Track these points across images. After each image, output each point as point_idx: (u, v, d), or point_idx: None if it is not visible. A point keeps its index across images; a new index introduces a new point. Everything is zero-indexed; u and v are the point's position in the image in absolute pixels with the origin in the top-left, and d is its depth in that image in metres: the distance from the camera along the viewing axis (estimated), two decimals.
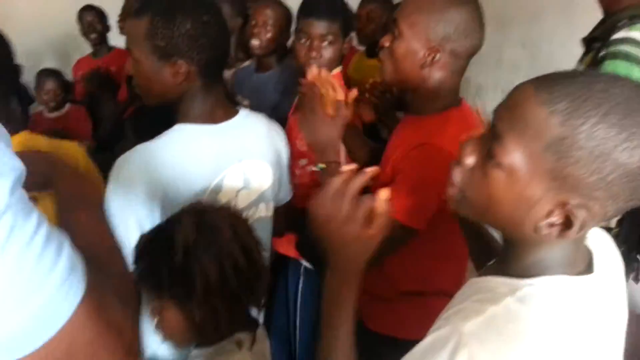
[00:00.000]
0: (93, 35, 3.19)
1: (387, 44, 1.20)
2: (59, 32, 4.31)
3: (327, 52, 1.63)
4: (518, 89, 0.66)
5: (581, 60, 1.53)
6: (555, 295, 0.65)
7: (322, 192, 0.77)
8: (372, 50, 2.52)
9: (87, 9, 3.20)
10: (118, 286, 0.66)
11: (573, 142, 0.58)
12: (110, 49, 3.30)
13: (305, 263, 1.56)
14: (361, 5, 2.70)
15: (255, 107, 1.70)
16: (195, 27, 1.08)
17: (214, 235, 0.92)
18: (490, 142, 0.66)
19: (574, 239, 0.65)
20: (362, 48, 2.75)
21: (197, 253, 0.89)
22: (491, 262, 0.80)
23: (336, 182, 0.77)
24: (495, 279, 0.70)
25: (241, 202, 1.25)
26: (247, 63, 2.27)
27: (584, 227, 0.61)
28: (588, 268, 0.70)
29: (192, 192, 1.13)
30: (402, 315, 1.30)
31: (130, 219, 1.06)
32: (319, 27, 1.61)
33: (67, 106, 3.06)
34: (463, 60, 1.20)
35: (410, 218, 1.15)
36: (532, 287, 0.65)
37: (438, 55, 1.15)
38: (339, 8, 1.68)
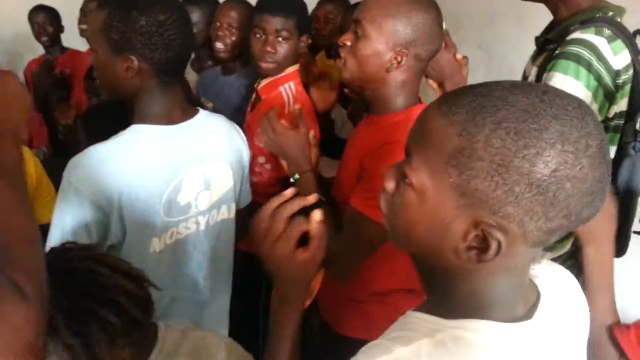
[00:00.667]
0: (44, 38, 3.07)
1: (348, 43, 1.20)
2: (10, 31, 4.16)
3: (282, 48, 1.65)
4: (426, 107, 0.64)
5: (534, 59, 1.57)
6: (477, 344, 0.58)
7: (262, 209, 0.78)
8: (331, 51, 2.54)
9: (38, 9, 3.07)
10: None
11: (471, 152, 0.55)
12: (64, 49, 3.18)
13: None
14: (318, 7, 2.72)
15: (219, 110, 1.72)
16: (149, 25, 1.08)
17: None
18: (404, 163, 0.63)
19: (514, 275, 0.61)
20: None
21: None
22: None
23: (275, 201, 0.78)
24: (422, 316, 0.64)
25: (201, 204, 1.24)
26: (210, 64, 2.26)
27: (502, 250, 0.56)
28: (529, 312, 0.63)
29: (149, 193, 1.13)
30: (372, 317, 1.30)
31: (67, 219, 1.07)
32: (274, 22, 1.63)
33: None
34: (425, 62, 1.23)
35: (377, 212, 1.16)
36: (454, 331, 0.59)
37: (404, 59, 1.17)
38: (295, 5, 1.70)
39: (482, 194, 0.55)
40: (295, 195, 0.80)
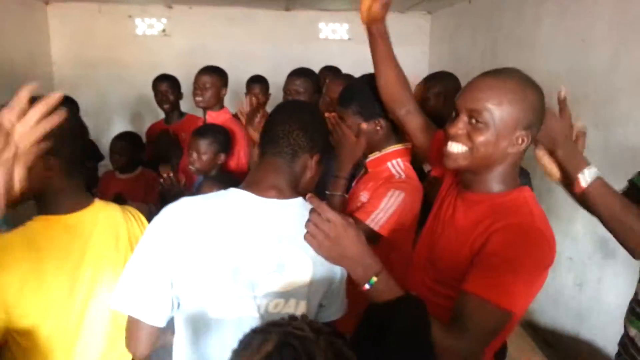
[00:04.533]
0: (166, 105, 3.35)
1: (461, 132, 1.19)
2: (134, 93, 4.61)
3: None
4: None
5: None
6: None
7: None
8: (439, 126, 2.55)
9: (162, 78, 3.37)
10: None
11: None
12: (182, 115, 3.45)
13: None
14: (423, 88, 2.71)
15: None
16: None
17: None
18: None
19: None
20: None
21: None
22: None
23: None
24: None
25: (268, 286, 1.15)
26: None
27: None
28: None
29: (220, 256, 1.11)
30: None
31: (148, 256, 1.11)
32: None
33: (139, 169, 3.17)
34: (535, 135, 1.23)
35: (509, 300, 1.10)
36: None
37: (525, 142, 1.18)
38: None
39: None
40: None
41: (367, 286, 1.04)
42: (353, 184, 1.88)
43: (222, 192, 1.19)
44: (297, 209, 1.19)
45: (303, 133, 1.22)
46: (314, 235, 1.04)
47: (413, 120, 1.62)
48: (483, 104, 1.15)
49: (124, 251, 1.38)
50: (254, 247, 1.13)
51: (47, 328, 1.24)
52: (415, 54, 5.32)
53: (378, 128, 1.76)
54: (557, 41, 3.14)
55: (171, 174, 2.41)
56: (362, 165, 1.86)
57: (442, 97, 2.49)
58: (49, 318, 1.23)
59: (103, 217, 1.37)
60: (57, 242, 1.26)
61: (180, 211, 1.14)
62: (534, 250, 1.12)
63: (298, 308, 1.19)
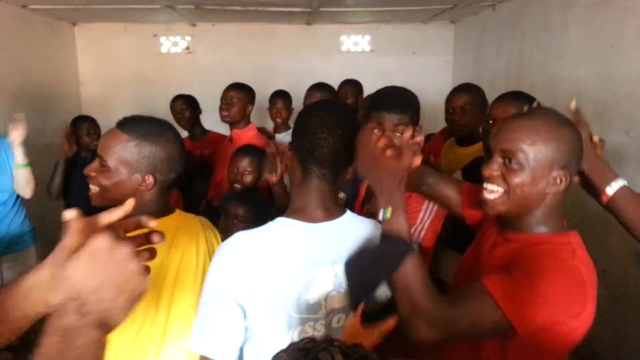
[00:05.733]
0: (183, 123, 3.41)
1: (496, 174, 1.19)
2: (159, 111, 4.67)
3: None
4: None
5: None
6: None
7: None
8: (463, 138, 2.54)
9: (177, 98, 3.47)
10: None
11: None
12: (205, 132, 3.49)
13: None
14: (452, 97, 2.66)
15: (350, 202, 1.82)
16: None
17: None
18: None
19: None
20: None
21: None
22: None
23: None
24: None
25: (330, 305, 1.21)
26: None
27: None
28: None
29: (279, 285, 1.14)
30: None
31: (222, 299, 1.13)
32: (391, 118, 1.68)
33: None
34: (574, 175, 1.21)
35: (514, 309, 1.06)
36: None
37: (564, 181, 1.16)
38: (409, 102, 1.75)
39: None
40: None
41: (380, 217, 1.13)
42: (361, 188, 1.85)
43: (272, 224, 1.21)
44: (346, 225, 1.23)
45: (346, 151, 1.18)
46: (363, 145, 1.14)
47: (437, 187, 1.54)
48: (517, 145, 1.15)
49: (203, 258, 1.43)
50: (312, 273, 1.17)
51: (134, 330, 1.27)
52: (439, 64, 5.28)
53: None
54: (586, 48, 3.06)
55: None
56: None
57: (468, 110, 2.47)
58: (136, 320, 1.28)
59: (184, 224, 1.45)
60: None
61: (239, 248, 1.17)
62: (566, 283, 1.09)
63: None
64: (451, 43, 5.34)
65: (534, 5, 3.65)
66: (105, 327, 0.65)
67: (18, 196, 2.80)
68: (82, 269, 0.65)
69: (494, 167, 1.19)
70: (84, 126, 3.25)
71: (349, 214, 1.26)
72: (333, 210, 1.22)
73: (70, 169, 3.13)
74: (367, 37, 5.27)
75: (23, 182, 2.70)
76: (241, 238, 1.19)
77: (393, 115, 1.68)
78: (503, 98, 2.15)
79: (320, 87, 3.02)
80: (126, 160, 1.32)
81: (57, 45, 4.69)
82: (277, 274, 1.14)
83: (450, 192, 1.52)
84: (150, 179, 1.34)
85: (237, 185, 2.45)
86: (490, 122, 2.09)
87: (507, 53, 4.08)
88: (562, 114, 1.21)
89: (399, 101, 1.73)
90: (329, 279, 1.19)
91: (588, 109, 3.09)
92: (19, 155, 2.64)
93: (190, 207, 3.14)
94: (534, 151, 1.13)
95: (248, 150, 2.53)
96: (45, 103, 4.23)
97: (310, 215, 1.20)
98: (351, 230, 1.23)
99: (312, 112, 1.24)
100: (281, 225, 1.20)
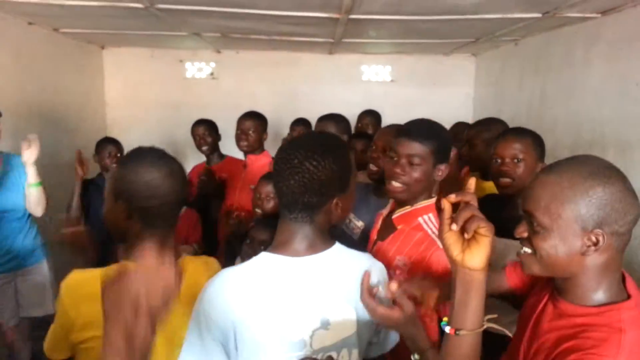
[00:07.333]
0: (204, 147, 3.47)
1: (525, 235, 1.09)
2: (180, 136, 4.77)
3: (414, 172, 1.62)
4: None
5: None
6: None
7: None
8: (486, 172, 2.47)
9: (199, 123, 3.52)
10: None
11: None
12: (222, 157, 3.54)
13: None
14: (471, 130, 2.66)
15: (367, 228, 1.74)
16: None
17: None
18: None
19: None
20: None
21: None
22: None
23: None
24: None
25: (316, 343, 1.14)
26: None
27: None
28: None
29: (263, 323, 1.10)
30: None
31: (203, 339, 1.11)
32: (408, 147, 1.62)
33: (183, 209, 3.21)
34: (628, 235, 1.04)
35: None
36: None
37: (601, 240, 1.00)
38: (434, 134, 1.66)
39: None
40: None
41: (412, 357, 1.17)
42: (375, 244, 1.76)
43: (255, 259, 1.18)
44: (332, 259, 1.19)
45: (313, 192, 1.13)
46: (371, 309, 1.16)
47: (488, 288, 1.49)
48: (536, 205, 1.04)
49: None
50: (295, 308, 1.13)
51: None
52: (459, 95, 5.28)
53: (439, 174, 1.65)
54: (609, 85, 3.04)
55: (240, 214, 2.46)
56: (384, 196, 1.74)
57: (490, 144, 2.43)
58: None
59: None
60: None
61: (222, 285, 1.15)
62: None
63: (351, 356, 1.20)
64: (472, 75, 5.35)
65: (556, 41, 3.65)
66: None
67: (30, 213, 2.86)
68: None
69: (521, 229, 1.10)
70: (107, 148, 3.31)
71: (337, 247, 1.21)
72: (317, 244, 1.18)
73: (90, 190, 3.18)
74: (388, 68, 5.31)
75: (34, 201, 2.75)
76: (225, 275, 1.17)
77: (413, 144, 1.61)
78: (508, 134, 2.04)
79: (331, 117, 3.10)
80: None
81: (85, 68, 4.82)
82: (260, 309, 1.11)
83: (497, 283, 1.46)
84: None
85: (258, 210, 2.46)
86: (497, 161, 1.98)
87: (529, 88, 4.07)
88: (601, 160, 1.06)
89: (422, 131, 1.64)
90: (315, 314, 1.14)
91: (610, 148, 3.05)
92: (31, 175, 2.70)
93: (209, 230, 3.16)
94: (556, 211, 1.01)
95: (271, 176, 2.53)
96: (72, 123, 4.33)
97: (293, 249, 1.16)
98: (337, 264, 1.18)
99: (278, 158, 1.19)
100: (264, 260, 1.17)
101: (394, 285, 1.14)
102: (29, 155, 2.65)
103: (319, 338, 1.14)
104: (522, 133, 1.99)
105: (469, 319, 0.98)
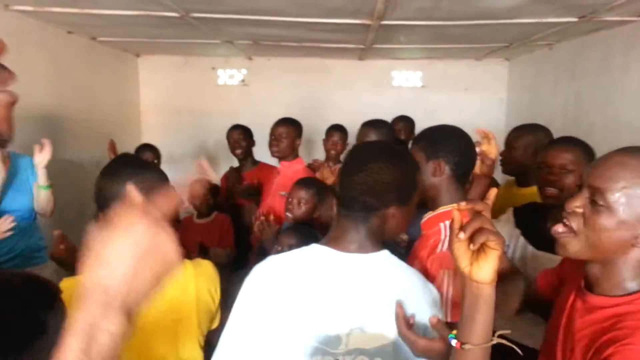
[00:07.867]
0: (238, 151, 3.50)
1: (580, 211, 1.06)
2: (212, 139, 4.84)
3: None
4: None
5: None
6: None
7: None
8: (522, 178, 2.44)
9: (235, 127, 3.55)
10: None
11: None
12: (255, 163, 3.56)
13: None
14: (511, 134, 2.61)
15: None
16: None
17: None
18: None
19: None
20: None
21: None
22: None
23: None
24: None
25: (352, 343, 1.12)
26: None
27: None
28: None
29: (304, 312, 1.12)
30: None
31: (244, 323, 1.14)
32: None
33: (214, 214, 3.27)
34: None
35: None
36: None
37: None
38: (426, 135, 1.65)
39: None
40: None
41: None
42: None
43: (305, 248, 1.22)
44: (380, 263, 1.20)
45: (373, 193, 1.17)
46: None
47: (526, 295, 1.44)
48: (610, 184, 1.01)
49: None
50: (335, 303, 1.14)
51: None
52: (492, 101, 5.20)
53: (437, 171, 1.55)
54: None
55: (267, 217, 2.50)
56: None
57: (531, 149, 2.37)
58: None
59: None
60: None
61: (269, 271, 1.20)
62: None
63: None
64: (505, 80, 5.27)
65: (592, 45, 3.57)
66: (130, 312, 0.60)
67: (36, 215, 2.92)
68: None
69: (577, 203, 1.06)
70: (145, 155, 3.38)
71: (384, 253, 1.21)
72: (368, 245, 1.20)
73: None
74: (419, 73, 5.27)
75: (44, 203, 2.81)
76: (273, 261, 1.22)
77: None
78: (558, 143, 1.98)
79: (374, 124, 2.87)
80: None
81: (121, 75, 4.94)
82: (302, 296, 1.13)
83: (531, 292, 1.43)
84: None
85: (289, 215, 2.47)
86: (545, 169, 1.91)
87: (564, 93, 3.99)
88: None
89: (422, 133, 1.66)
90: (354, 313, 1.13)
91: None
92: (41, 177, 2.75)
93: (242, 235, 3.19)
94: (630, 196, 0.99)
95: (306, 182, 2.54)
96: (108, 129, 4.44)
97: (343, 245, 1.19)
98: (385, 269, 1.19)
99: (349, 154, 1.28)
100: (313, 251, 1.21)
101: (434, 320, 1.10)
102: (41, 158, 2.72)
103: (355, 338, 1.13)
104: (574, 143, 1.92)
105: (476, 333, 0.94)
